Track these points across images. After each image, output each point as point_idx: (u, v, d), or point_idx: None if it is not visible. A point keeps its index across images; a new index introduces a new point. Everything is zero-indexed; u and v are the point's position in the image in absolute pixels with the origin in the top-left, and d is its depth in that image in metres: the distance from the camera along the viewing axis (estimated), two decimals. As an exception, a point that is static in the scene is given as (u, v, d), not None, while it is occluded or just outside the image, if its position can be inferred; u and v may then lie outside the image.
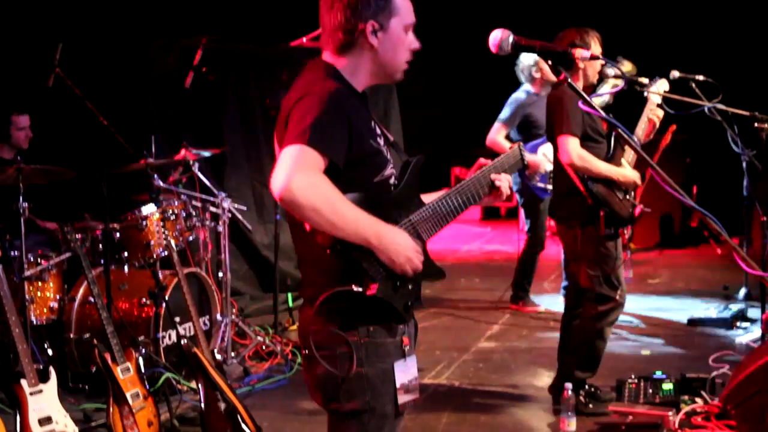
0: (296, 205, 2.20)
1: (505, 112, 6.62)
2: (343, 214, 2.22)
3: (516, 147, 2.70)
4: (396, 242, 2.30)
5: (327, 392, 2.43)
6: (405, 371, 2.43)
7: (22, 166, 4.65)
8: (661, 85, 4.57)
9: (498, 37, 2.34)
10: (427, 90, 10.04)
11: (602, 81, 4.60)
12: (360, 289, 2.29)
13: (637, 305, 6.95)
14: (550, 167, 6.30)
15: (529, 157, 6.55)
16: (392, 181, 2.43)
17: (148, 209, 5.33)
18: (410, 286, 2.38)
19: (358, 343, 2.36)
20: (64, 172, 4.89)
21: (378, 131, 2.44)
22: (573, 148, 4.35)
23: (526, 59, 6.57)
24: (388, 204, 2.38)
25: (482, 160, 2.65)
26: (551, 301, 7.05)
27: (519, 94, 6.67)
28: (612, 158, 4.51)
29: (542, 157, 6.37)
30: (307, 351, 2.42)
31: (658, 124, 4.64)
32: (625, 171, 4.48)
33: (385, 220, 2.32)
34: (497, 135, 6.56)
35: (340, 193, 2.23)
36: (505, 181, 2.62)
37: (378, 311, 2.35)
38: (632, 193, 4.60)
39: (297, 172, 2.18)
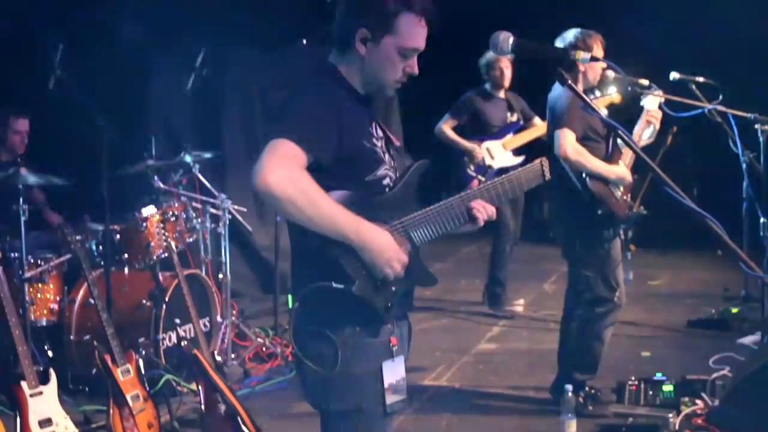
0: (272, 197, 2.20)
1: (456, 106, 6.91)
2: (321, 209, 2.22)
3: (538, 162, 2.63)
4: (376, 241, 2.28)
5: (316, 392, 2.44)
6: (393, 371, 2.42)
7: (19, 177, 4.65)
8: (655, 99, 4.58)
9: (498, 39, 2.34)
10: (429, 92, 10.03)
11: (604, 83, 4.60)
12: (340, 286, 2.28)
13: (637, 307, 6.94)
14: (489, 161, 6.62)
15: (469, 145, 6.76)
16: (386, 182, 2.42)
17: (149, 211, 5.32)
18: (393, 288, 2.36)
19: (344, 342, 2.35)
20: (59, 183, 4.89)
21: (377, 133, 2.44)
22: (569, 141, 4.36)
23: (484, 57, 6.70)
24: (378, 204, 2.37)
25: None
26: (552, 303, 7.04)
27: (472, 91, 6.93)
28: (610, 159, 4.51)
29: (485, 150, 6.65)
30: (295, 350, 2.43)
31: (658, 126, 4.63)
32: (616, 168, 4.48)
33: (373, 220, 2.30)
34: (444, 125, 6.83)
35: (320, 188, 2.23)
36: (484, 212, 2.49)
37: (360, 310, 2.34)
38: (629, 195, 4.60)
39: (276, 166, 2.19)
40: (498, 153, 6.70)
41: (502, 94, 6.87)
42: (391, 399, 2.41)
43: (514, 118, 6.85)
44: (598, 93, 4.58)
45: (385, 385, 2.40)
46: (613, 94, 4.64)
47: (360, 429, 2.41)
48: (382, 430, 2.46)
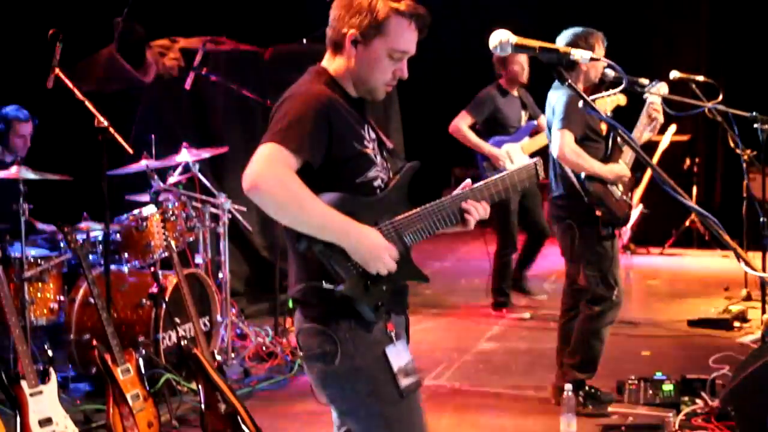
0: (263, 201, 2.25)
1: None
2: (310, 211, 2.26)
3: (532, 162, 2.63)
4: (365, 241, 2.31)
5: (328, 390, 2.46)
6: (398, 355, 2.43)
7: (19, 176, 4.65)
8: (661, 88, 4.58)
9: (498, 38, 2.33)
10: (429, 90, 10.04)
11: (603, 81, 4.61)
12: (330, 286, 2.32)
13: (637, 306, 6.95)
14: (510, 165, 6.41)
15: (490, 149, 6.61)
16: (377, 183, 2.44)
17: (149, 210, 5.33)
18: (384, 287, 2.38)
19: (343, 338, 2.38)
20: (59, 180, 4.89)
21: (369, 135, 2.47)
22: (567, 142, 4.37)
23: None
24: (369, 206, 2.40)
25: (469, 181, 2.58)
26: (552, 303, 7.04)
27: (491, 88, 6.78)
28: (609, 158, 4.52)
29: (504, 153, 6.50)
30: (300, 352, 2.47)
31: (659, 125, 4.64)
32: (615, 167, 4.48)
33: (363, 220, 2.34)
34: (461, 122, 6.62)
35: (309, 191, 2.26)
36: (476, 212, 2.50)
37: (352, 308, 2.37)
38: (629, 194, 4.61)
39: (266, 170, 2.24)
40: (518, 157, 6.56)
41: (515, 91, 6.80)
42: (404, 382, 2.41)
43: (527, 116, 6.80)
44: (604, 93, 4.56)
45: (394, 368, 2.41)
46: (619, 95, 4.63)
47: (382, 417, 2.41)
48: (406, 411, 2.44)
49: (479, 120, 6.66)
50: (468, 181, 2.58)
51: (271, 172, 2.23)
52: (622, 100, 4.67)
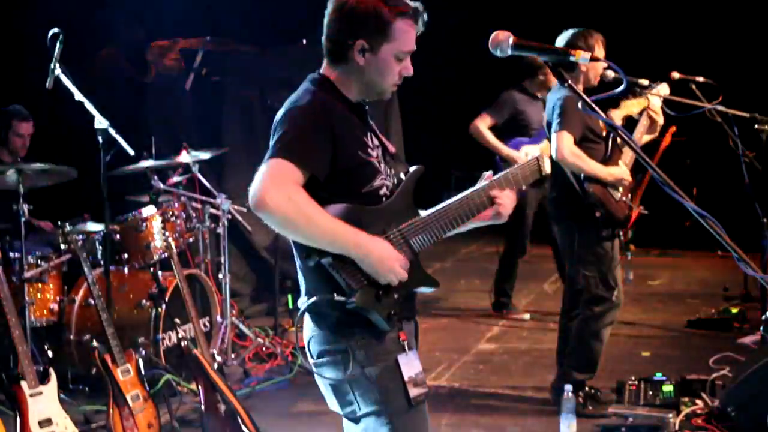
0: (270, 218, 2.26)
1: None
2: (318, 225, 2.27)
3: (534, 158, 2.63)
4: (375, 252, 2.31)
5: (338, 398, 2.47)
6: (409, 365, 2.43)
7: (22, 167, 4.65)
8: (662, 89, 4.57)
9: (498, 39, 2.34)
10: (429, 91, 10.05)
11: (603, 82, 4.60)
12: (341, 298, 2.32)
13: (637, 307, 6.94)
14: None
15: (509, 151, 6.52)
16: (383, 191, 2.44)
17: (149, 211, 5.33)
18: (396, 296, 2.38)
19: (355, 346, 2.38)
20: (65, 171, 4.89)
21: (372, 143, 2.46)
22: (566, 144, 4.36)
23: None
24: (376, 214, 2.39)
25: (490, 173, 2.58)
26: (552, 303, 7.04)
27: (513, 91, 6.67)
28: (609, 159, 4.52)
29: (523, 155, 6.38)
30: (311, 360, 2.47)
31: (660, 126, 4.63)
32: (613, 170, 4.48)
33: (370, 230, 2.34)
34: (481, 123, 6.54)
35: (317, 205, 2.27)
36: (507, 200, 2.52)
37: (364, 317, 2.37)
38: (629, 195, 4.60)
39: (272, 186, 2.24)
40: None
41: (539, 94, 6.73)
42: (414, 392, 2.42)
43: None
44: (631, 97, 4.54)
45: (405, 378, 2.41)
46: (656, 96, 4.57)
47: (391, 427, 2.41)
48: (413, 421, 2.45)
49: (499, 121, 6.54)
50: (487, 177, 2.57)
51: (277, 188, 2.24)
52: (644, 103, 4.57)
